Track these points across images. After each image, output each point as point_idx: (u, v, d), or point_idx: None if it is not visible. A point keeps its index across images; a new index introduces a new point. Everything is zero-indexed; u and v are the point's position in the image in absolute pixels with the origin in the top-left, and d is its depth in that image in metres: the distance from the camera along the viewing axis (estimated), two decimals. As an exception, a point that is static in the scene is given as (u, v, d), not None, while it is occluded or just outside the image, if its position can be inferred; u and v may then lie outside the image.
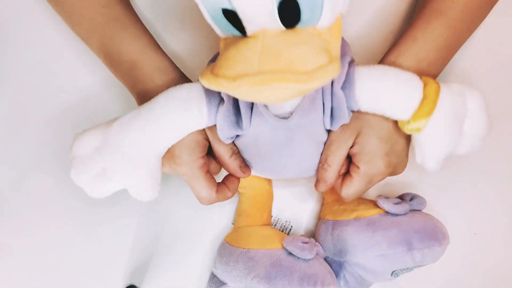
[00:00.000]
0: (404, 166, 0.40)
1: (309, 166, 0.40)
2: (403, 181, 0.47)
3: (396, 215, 0.40)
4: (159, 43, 0.43)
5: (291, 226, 0.48)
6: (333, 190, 0.45)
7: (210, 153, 0.40)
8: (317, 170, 0.40)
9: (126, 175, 0.36)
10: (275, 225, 0.48)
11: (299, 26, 0.29)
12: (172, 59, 0.43)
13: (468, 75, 0.49)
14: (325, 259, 0.42)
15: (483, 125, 0.38)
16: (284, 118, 0.36)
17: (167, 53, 0.43)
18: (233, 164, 0.40)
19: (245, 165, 0.41)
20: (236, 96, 0.30)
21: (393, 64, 0.38)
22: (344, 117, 0.37)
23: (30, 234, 0.47)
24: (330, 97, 0.36)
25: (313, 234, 0.48)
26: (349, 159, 0.39)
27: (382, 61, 0.41)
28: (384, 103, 0.36)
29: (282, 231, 0.48)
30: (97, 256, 0.47)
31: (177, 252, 0.47)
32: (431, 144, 0.37)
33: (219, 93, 0.36)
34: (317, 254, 0.39)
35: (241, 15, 0.28)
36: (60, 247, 0.47)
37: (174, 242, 0.48)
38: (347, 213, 0.42)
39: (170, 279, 0.47)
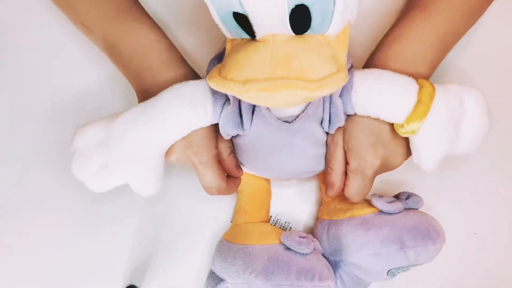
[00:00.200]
0: (399, 156, 0.40)
1: (307, 167, 0.41)
2: (403, 181, 0.47)
3: (390, 213, 0.39)
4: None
5: (290, 227, 0.48)
6: None
7: None
8: (326, 177, 0.41)
9: (128, 170, 0.37)
10: (274, 225, 0.48)
11: (308, 33, 0.30)
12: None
13: (469, 74, 0.49)
14: None
15: (482, 125, 0.38)
16: (286, 121, 0.37)
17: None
18: (230, 162, 0.41)
19: (239, 166, 0.42)
20: (244, 99, 0.31)
21: (380, 67, 0.39)
22: (340, 121, 0.38)
23: (30, 234, 0.47)
24: (328, 103, 0.37)
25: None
26: None
27: (368, 63, 0.42)
28: (379, 107, 0.37)
29: (282, 231, 0.48)
30: (97, 256, 0.47)
31: (177, 252, 0.47)
32: (426, 146, 0.37)
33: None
34: (314, 249, 0.39)
35: (252, 19, 0.29)
36: (60, 247, 0.47)
37: (174, 242, 0.48)
38: (342, 213, 0.42)
39: (170, 279, 0.47)
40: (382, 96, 0.36)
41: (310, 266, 0.36)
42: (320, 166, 0.41)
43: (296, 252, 0.38)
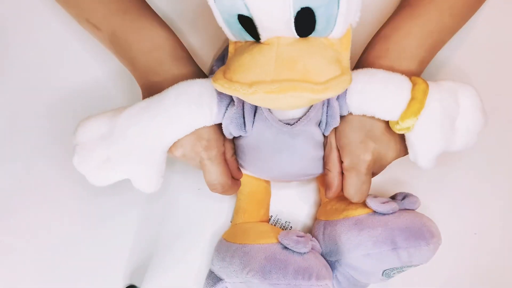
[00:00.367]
0: (392, 151, 0.39)
1: (307, 169, 0.41)
2: (402, 181, 0.47)
3: (384, 214, 0.39)
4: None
5: (291, 227, 0.48)
6: None
7: None
8: (324, 179, 0.41)
9: (130, 165, 0.37)
10: (275, 225, 0.48)
11: (312, 36, 0.30)
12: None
13: (465, 72, 0.49)
14: None
15: (477, 121, 0.38)
16: (288, 124, 0.37)
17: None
18: (232, 163, 0.41)
19: (239, 168, 0.43)
20: (250, 101, 0.31)
21: (370, 65, 0.39)
22: (336, 123, 0.39)
23: (30, 233, 0.48)
24: (326, 106, 0.38)
25: (312, 234, 0.48)
26: None
27: (358, 62, 0.42)
28: (373, 105, 0.37)
29: (282, 231, 0.48)
30: (97, 256, 0.47)
31: (177, 251, 0.47)
32: (422, 142, 0.37)
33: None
34: (313, 248, 0.39)
35: (257, 22, 0.29)
36: (60, 247, 0.47)
37: (174, 242, 0.48)
38: (337, 213, 0.42)
39: (170, 279, 0.47)
40: (376, 95, 0.37)
41: (308, 266, 0.36)
42: (320, 169, 0.42)
43: (294, 251, 0.37)
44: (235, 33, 0.31)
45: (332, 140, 0.40)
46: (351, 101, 0.37)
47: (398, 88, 0.36)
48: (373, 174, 0.41)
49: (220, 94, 0.37)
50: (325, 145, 0.41)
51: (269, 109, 0.37)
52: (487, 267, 0.47)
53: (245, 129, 0.38)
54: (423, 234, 0.37)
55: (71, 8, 0.44)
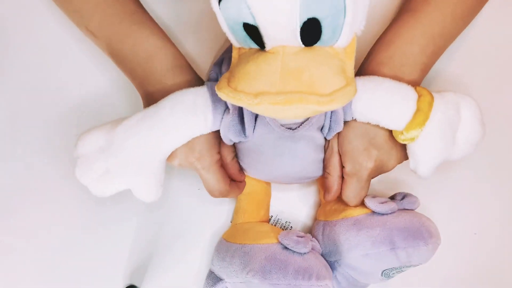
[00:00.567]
0: (394, 159, 0.40)
1: (308, 171, 0.41)
2: (402, 181, 0.47)
3: (382, 214, 0.39)
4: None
5: (291, 227, 0.48)
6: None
7: None
8: (324, 182, 0.42)
9: (129, 176, 0.37)
10: (275, 225, 0.48)
11: (317, 45, 0.30)
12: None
13: (464, 76, 0.49)
14: None
15: (477, 132, 0.39)
16: (290, 128, 0.37)
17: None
18: (233, 166, 0.42)
19: (242, 170, 0.43)
20: (254, 111, 0.31)
21: (373, 72, 0.40)
22: (339, 128, 0.39)
23: (30, 233, 0.48)
24: (330, 111, 0.38)
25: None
26: None
27: (361, 68, 0.42)
28: (379, 114, 0.37)
29: (282, 231, 0.48)
30: (97, 256, 0.47)
31: (177, 252, 0.47)
32: (424, 152, 0.38)
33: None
34: (313, 249, 0.39)
35: (263, 31, 0.29)
36: (60, 247, 0.47)
37: (174, 242, 0.48)
38: (336, 214, 0.42)
39: (170, 279, 0.47)
40: (383, 104, 0.37)
41: (308, 266, 0.36)
42: (319, 171, 0.42)
43: (294, 251, 0.37)
44: (240, 40, 0.31)
45: (334, 145, 0.40)
46: (356, 107, 0.38)
47: (404, 99, 0.37)
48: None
49: (214, 102, 0.37)
50: (325, 148, 0.41)
51: None
52: (487, 267, 0.47)
53: (244, 134, 0.38)
54: (422, 234, 0.37)
55: (71, 14, 0.44)
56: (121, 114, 0.48)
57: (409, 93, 0.37)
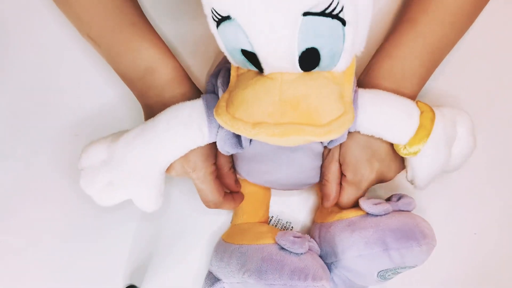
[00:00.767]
0: (393, 171, 0.41)
1: (306, 179, 0.42)
2: (401, 181, 0.47)
3: (376, 215, 0.39)
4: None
5: (292, 227, 0.48)
6: None
7: None
8: (321, 188, 0.42)
9: (131, 188, 0.38)
10: (276, 225, 0.48)
11: (315, 70, 0.30)
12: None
13: (463, 72, 0.49)
14: None
15: (470, 146, 0.41)
16: None
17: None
18: (230, 177, 0.43)
19: (238, 181, 0.44)
20: (252, 138, 0.32)
21: (374, 85, 0.40)
22: (343, 139, 0.39)
23: (30, 233, 0.48)
24: None
25: (312, 235, 0.48)
26: None
27: (362, 79, 0.42)
28: (383, 128, 0.38)
29: (282, 231, 0.48)
30: (97, 256, 0.47)
31: (177, 252, 0.48)
32: (422, 166, 0.39)
33: None
34: (311, 249, 0.39)
35: (261, 58, 0.29)
36: (60, 247, 0.47)
37: (174, 242, 0.48)
38: (332, 215, 0.42)
39: (170, 279, 0.47)
40: (387, 119, 0.38)
41: (304, 266, 0.36)
42: (316, 178, 0.43)
43: (291, 252, 0.37)
44: (238, 62, 0.32)
45: (335, 153, 0.41)
46: (361, 122, 0.38)
47: (408, 115, 0.38)
48: None
49: (210, 115, 0.37)
50: (324, 155, 0.41)
51: None
52: (487, 267, 0.47)
53: (241, 146, 0.39)
54: (415, 235, 0.37)
55: (73, 21, 0.44)
56: (120, 114, 0.48)
57: (413, 109, 0.38)
